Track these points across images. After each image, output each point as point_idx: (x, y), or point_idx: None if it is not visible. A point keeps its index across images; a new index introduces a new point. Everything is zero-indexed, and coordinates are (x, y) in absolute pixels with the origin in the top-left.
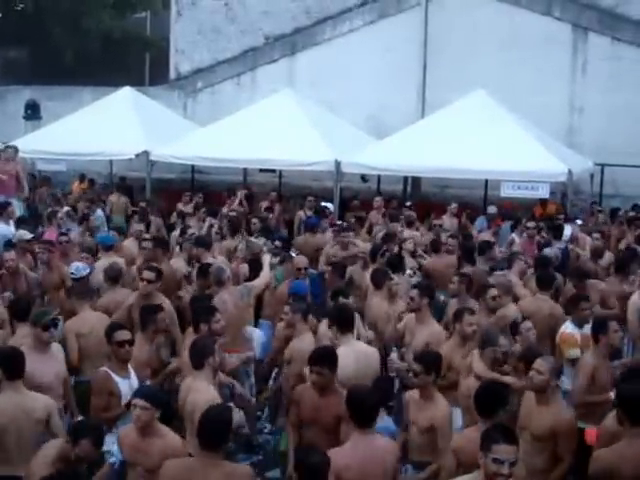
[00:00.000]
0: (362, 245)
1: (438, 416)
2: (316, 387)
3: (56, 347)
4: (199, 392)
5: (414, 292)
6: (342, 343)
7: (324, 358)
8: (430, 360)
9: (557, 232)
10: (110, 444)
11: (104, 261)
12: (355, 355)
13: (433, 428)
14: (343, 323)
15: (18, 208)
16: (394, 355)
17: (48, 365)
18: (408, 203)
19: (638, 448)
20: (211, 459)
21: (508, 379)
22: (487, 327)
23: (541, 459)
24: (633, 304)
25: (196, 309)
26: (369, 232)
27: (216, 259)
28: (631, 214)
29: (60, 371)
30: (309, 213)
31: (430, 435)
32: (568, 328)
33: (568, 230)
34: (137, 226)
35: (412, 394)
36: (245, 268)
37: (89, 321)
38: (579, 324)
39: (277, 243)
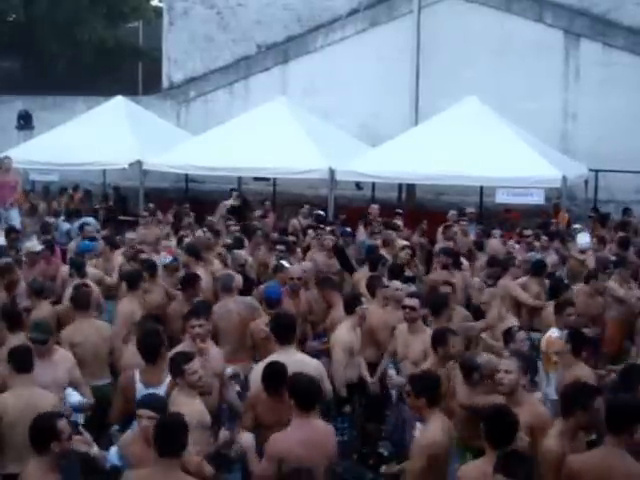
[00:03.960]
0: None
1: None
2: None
3: (61, 354)
4: (185, 405)
5: (414, 301)
6: (279, 353)
7: (279, 378)
8: (423, 383)
9: (553, 238)
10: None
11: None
12: (292, 366)
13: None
14: (281, 334)
15: (16, 219)
16: (392, 372)
17: (44, 369)
18: (399, 210)
19: (607, 456)
20: (170, 466)
21: (495, 398)
22: (464, 355)
23: None
24: None
25: (174, 357)
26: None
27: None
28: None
29: (58, 377)
30: (304, 221)
31: None
32: (554, 333)
33: (587, 237)
34: (130, 235)
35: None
36: (239, 279)
37: (83, 330)
38: (564, 329)
39: (280, 247)
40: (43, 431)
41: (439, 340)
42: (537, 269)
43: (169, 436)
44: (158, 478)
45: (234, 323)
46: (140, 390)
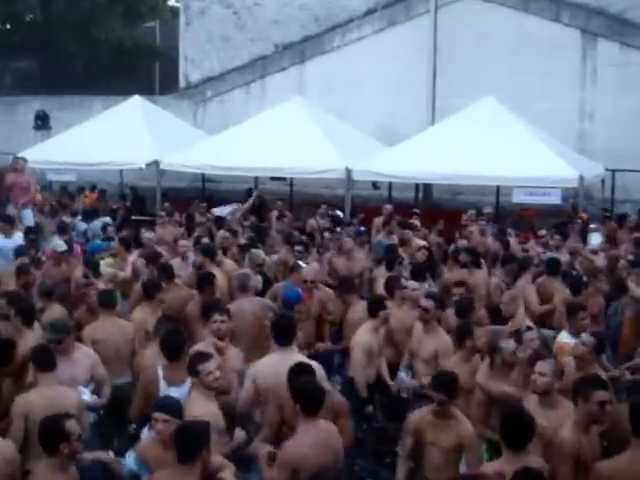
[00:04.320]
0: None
1: (464, 433)
2: None
3: (83, 352)
4: (199, 407)
5: (429, 303)
6: (277, 353)
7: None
8: (450, 384)
9: (565, 237)
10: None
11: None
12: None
13: (459, 447)
14: (280, 335)
15: (29, 219)
16: (402, 374)
17: (62, 368)
18: (416, 210)
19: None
20: (188, 472)
21: (508, 389)
22: (489, 333)
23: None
24: None
25: (190, 357)
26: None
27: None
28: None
29: (77, 375)
30: (321, 221)
31: (455, 455)
32: (564, 338)
33: (599, 238)
34: (148, 235)
35: (423, 416)
36: (259, 279)
37: (106, 328)
38: (575, 333)
39: (298, 247)
40: (51, 432)
41: (465, 333)
42: (552, 268)
43: (188, 442)
44: None
45: (248, 322)
46: (163, 387)
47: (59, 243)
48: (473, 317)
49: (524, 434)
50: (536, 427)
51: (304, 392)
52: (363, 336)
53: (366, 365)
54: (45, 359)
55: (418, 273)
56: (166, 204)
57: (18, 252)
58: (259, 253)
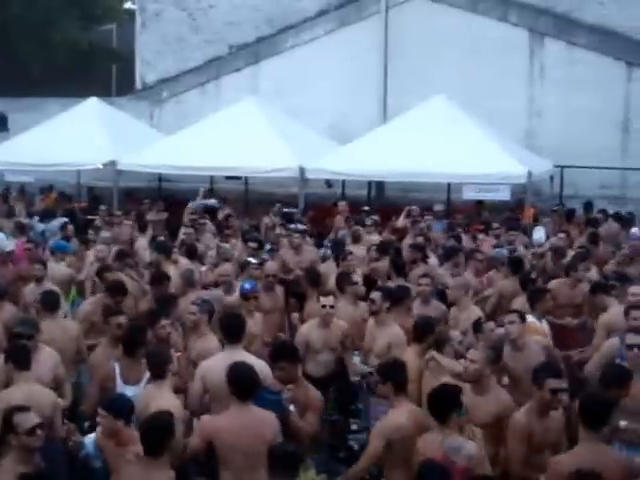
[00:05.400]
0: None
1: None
2: (281, 381)
3: (46, 353)
4: (164, 400)
5: (376, 295)
6: (225, 352)
7: (283, 353)
8: (389, 369)
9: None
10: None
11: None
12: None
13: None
14: (228, 333)
15: None
16: (357, 359)
17: None
18: (366, 207)
19: (594, 453)
20: (157, 464)
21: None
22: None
23: (489, 446)
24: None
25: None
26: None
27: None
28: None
29: (42, 376)
30: (275, 219)
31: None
32: (530, 318)
33: (541, 232)
34: (104, 234)
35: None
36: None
37: (50, 330)
38: (541, 315)
39: (252, 244)
40: (4, 424)
41: (427, 329)
42: (514, 266)
43: (152, 436)
44: (142, 475)
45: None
46: (120, 386)
47: (5, 244)
48: (406, 306)
49: (449, 407)
50: (464, 404)
51: (237, 376)
52: (302, 329)
53: (308, 359)
54: (22, 358)
55: (399, 267)
56: (102, 207)
57: None
58: (229, 249)
